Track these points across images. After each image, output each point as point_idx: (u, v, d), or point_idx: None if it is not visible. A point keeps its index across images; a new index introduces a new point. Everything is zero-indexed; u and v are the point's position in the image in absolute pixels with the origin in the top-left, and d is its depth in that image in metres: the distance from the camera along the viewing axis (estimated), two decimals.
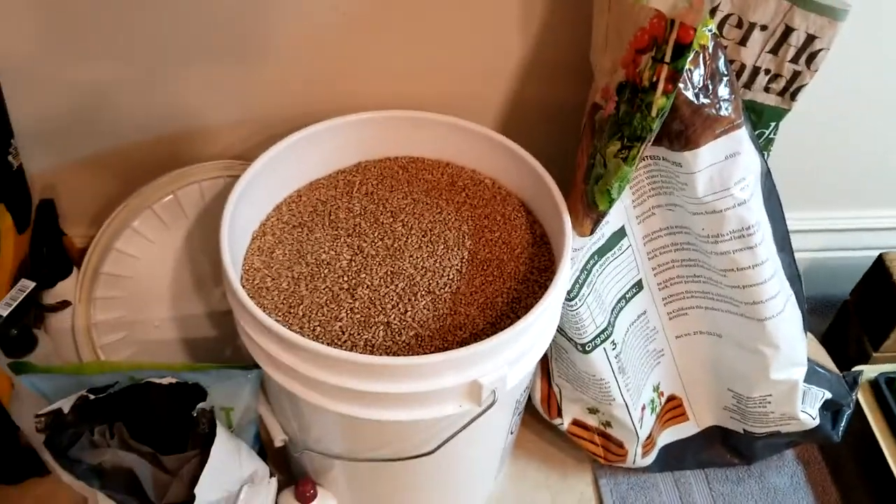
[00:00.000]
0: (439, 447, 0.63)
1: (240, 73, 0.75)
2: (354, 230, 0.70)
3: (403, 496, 0.76)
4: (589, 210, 0.65)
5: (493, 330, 0.63)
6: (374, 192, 0.74)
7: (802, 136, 0.86)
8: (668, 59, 0.56)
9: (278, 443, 0.70)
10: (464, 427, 0.62)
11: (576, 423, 0.83)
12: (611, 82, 0.63)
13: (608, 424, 0.82)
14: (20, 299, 0.72)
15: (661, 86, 0.56)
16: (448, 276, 0.67)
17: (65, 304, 0.73)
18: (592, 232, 0.66)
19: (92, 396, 0.64)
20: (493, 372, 0.59)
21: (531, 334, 0.62)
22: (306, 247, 0.69)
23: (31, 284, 0.72)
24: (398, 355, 0.61)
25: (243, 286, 0.66)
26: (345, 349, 0.61)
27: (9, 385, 0.72)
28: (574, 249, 0.67)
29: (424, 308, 0.64)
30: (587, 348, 0.73)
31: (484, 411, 0.61)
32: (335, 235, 0.70)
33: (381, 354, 0.61)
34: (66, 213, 0.82)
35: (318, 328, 0.63)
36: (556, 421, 0.83)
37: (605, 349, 0.74)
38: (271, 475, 0.71)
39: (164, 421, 0.65)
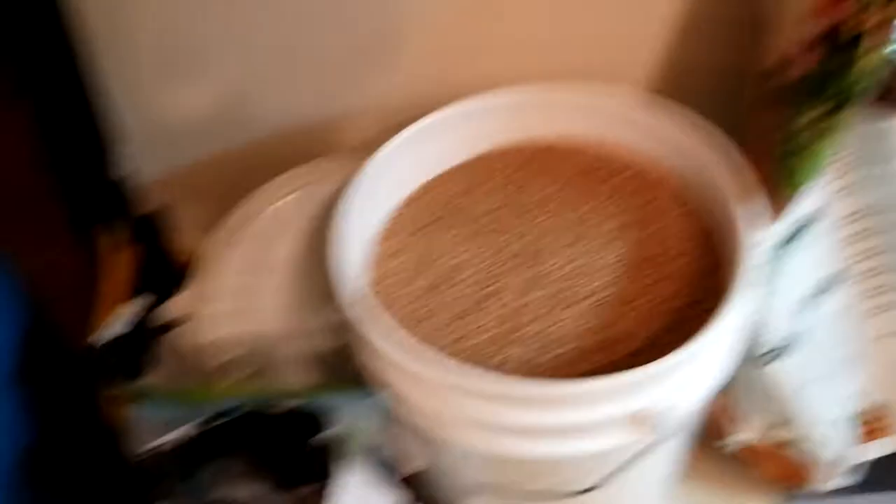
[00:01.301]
0: (596, 485, 0.53)
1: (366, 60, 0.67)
2: (492, 226, 0.61)
3: None
4: (777, 193, 0.53)
5: (654, 345, 0.53)
6: (512, 183, 0.64)
7: None
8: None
9: (410, 470, 0.63)
10: (630, 462, 0.52)
11: (752, 444, 0.71)
12: (801, 36, 0.50)
13: (793, 444, 0.69)
14: (142, 315, 0.67)
15: (879, 34, 0.44)
16: (600, 280, 0.57)
17: (184, 320, 0.68)
18: (781, 219, 0.54)
19: (213, 423, 0.58)
20: (669, 396, 0.49)
21: (716, 350, 0.50)
22: (438, 246, 0.60)
23: (150, 298, 0.67)
24: (548, 375, 0.52)
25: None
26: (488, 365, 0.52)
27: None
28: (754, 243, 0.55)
29: (573, 320, 0.55)
30: (767, 360, 0.61)
31: (655, 444, 0.51)
32: (472, 231, 0.61)
33: (525, 375, 0.52)
34: (179, 222, 0.78)
35: (450, 347, 0.54)
36: (728, 441, 0.71)
37: (789, 360, 0.62)
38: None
39: (282, 452, 0.59)
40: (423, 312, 0.56)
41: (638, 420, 0.49)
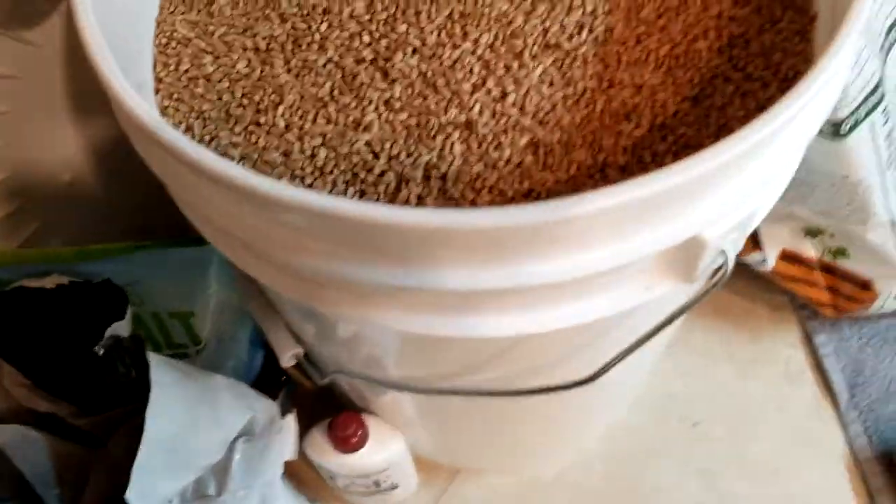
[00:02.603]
0: (602, 372, 0.31)
1: None
2: None
3: (523, 431, 0.45)
4: None
5: (698, 112, 0.29)
6: None
7: None
8: None
9: (287, 362, 0.39)
10: (653, 332, 0.30)
11: (786, 256, 0.50)
12: None
13: (841, 253, 0.48)
14: None
15: None
16: (584, 6, 0.31)
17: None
18: None
19: None
20: (733, 213, 0.26)
21: (804, 121, 0.27)
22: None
23: None
24: (504, 190, 0.28)
25: (159, 88, 0.32)
26: (385, 188, 0.28)
27: None
28: None
29: (544, 82, 0.30)
30: (844, 127, 0.38)
31: (703, 296, 0.28)
32: None
33: (465, 189, 0.28)
34: None
35: (324, 150, 0.29)
36: (753, 257, 0.50)
37: (873, 124, 0.39)
38: (285, 411, 0.41)
39: (64, 357, 0.34)
40: (266, 98, 0.30)
41: (677, 258, 0.26)
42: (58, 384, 0.34)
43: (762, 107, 0.29)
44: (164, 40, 0.33)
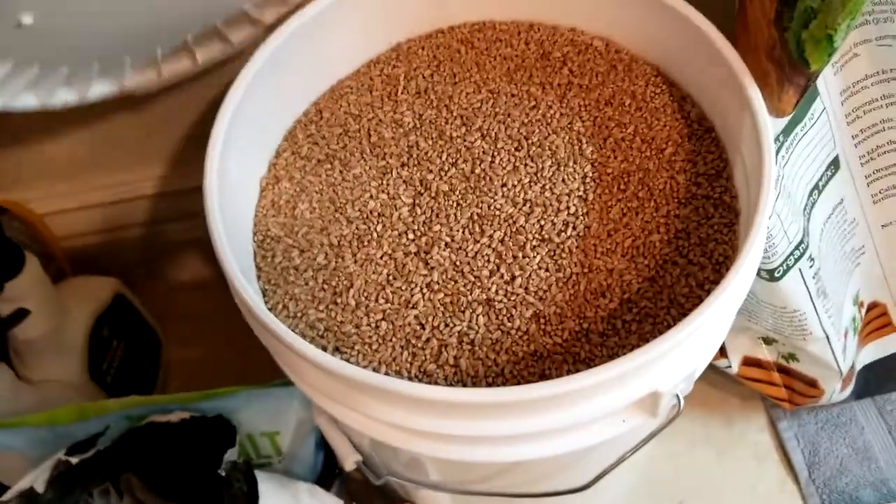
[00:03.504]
0: (594, 481, 0.42)
1: None
2: (410, 155, 0.46)
3: None
4: (792, 72, 0.39)
5: (654, 289, 0.40)
6: (429, 90, 0.49)
7: None
8: None
9: (349, 467, 0.50)
10: (632, 451, 0.40)
11: (747, 361, 0.61)
12: None
13: (793, 357, 0.59)
14: None
15: None
16: (568, 209, 0.43)
17: (23, 314, 0.52)
18: (797, 107, 0.41)
19: (74, 460, 0.44)
20: (679, 371, 0.36)
21: (733, 299, 0.38)
22: (343, 192, 0.45)
23: None
24: (516, 351, 0.39)
25: (260, 274, 0.43)
26: (430, 352, 0.39)
27: None
28: None
29: (541, 267, 0.41)
30: (777, 273, 0.50)
31: (665, 426, 0.39)
32: (384, 167, 0.46)
33: (488, 352, 0.39)
34: None
35: (384, 324, 0.40)
36: (721, 363, 0.61)
37: (800, 269, 0.50)
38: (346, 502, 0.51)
39: (186, 476, 0.45)
40: (340, 282, 0.42)
41: (643, 404, 0.37)
42: (181, 497, 0.45)
43: (700, 284, 0.40)
44: (260, 238, 0.45)
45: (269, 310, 0.41)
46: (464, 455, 0.38)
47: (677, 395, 0.37)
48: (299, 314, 0.41)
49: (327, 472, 0.58)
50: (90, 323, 0.57)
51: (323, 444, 0.57)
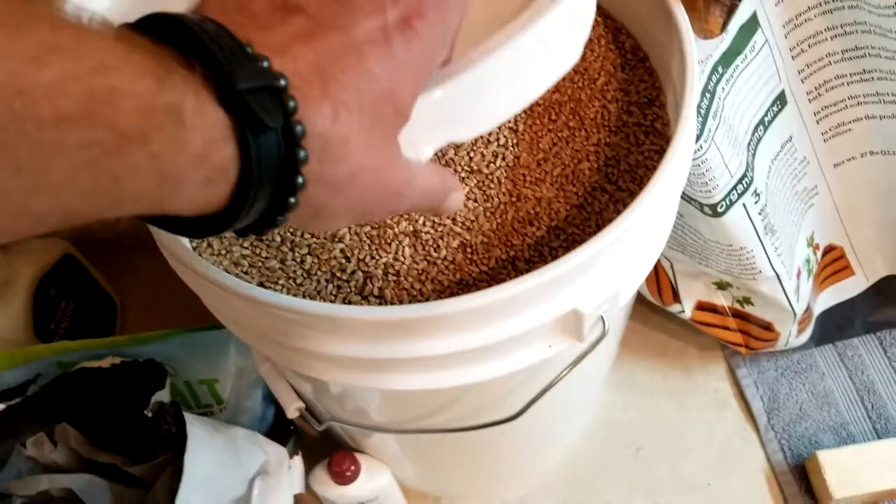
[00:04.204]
0: (525, 409, 0.41)
1: None
2: None
3: (484, 460, 0.55)
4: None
5: (583, 216, 0.39)
6: None
7: None
8: None
9: (292, 413, 0.49)
10: (559, 377, 0.40)
11: (701, 306, 0.60)
12: None
13: (747, 301, 0.59)
14: None
15: None
16: (498, 140, 0.42)
17: None
18: (724, 28, 0.40)
19: (1, 406, 0.43)
20: (601, 291, 0.36)
21: (653, 216, 0.37)
22: None
23: None
24: (441, 280, 0.38)
25: None
26: (355, 284, 0.38)
27: None
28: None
29: (469, 198, 0.40)
30: (720, 208, 0.49)
31: (590, 350, 0.38)
32: None
33: (413, 282, 0.38)
34: None
35: (309, 258, 0.40)
36: (674, 308, 0.60)
37: (744, 205, 0.50)
38: (293, 453, 0.51)
39: (118, 420, 0.45)
40: None
41: (566, 324, 0.36)
42: (115, 441, 0.44)
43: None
44: None
45: (194, 249, 0.41)
46: (394, 384, 0.37)
47: (602, 318, 0.36)
48: (224, 251, 0.41)
49: (281, 429, 0.58)
50: (34, 281, 0.56)
51: (273, 399, 0.57)
